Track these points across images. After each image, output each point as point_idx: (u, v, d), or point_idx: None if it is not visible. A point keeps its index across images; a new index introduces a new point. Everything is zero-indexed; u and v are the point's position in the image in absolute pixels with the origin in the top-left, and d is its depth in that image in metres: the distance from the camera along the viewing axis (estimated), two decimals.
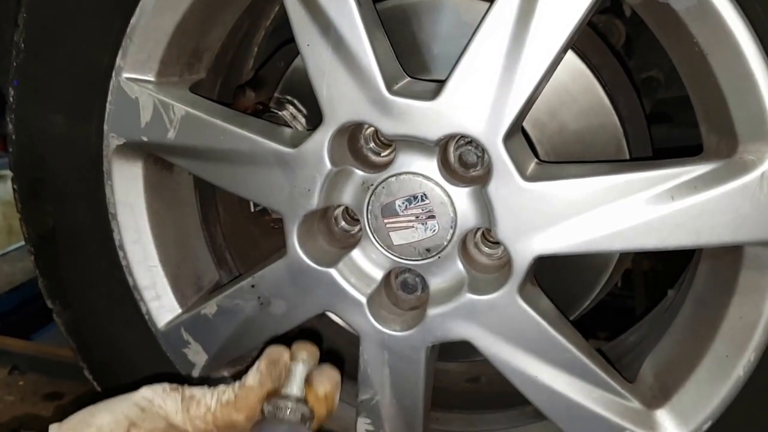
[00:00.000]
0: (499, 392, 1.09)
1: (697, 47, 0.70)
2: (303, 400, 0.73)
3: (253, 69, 1.10)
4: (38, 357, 1.52)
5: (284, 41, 1.08)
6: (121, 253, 0.98)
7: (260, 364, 0.71)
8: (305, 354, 0.76)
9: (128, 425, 0.60)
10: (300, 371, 0.74)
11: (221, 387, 0.70)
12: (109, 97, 0.91)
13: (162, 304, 0.99)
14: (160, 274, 0.99)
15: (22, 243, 1.06)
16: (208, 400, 0.67)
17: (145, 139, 0.91)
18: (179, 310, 0.99)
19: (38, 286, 1.04)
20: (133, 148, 0.94)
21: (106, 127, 0.92)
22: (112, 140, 0.93)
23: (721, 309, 0.78)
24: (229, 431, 0.68)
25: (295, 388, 0.73)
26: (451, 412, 1.08)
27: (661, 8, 0.71)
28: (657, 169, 0.73)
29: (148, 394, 0.64)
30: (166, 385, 0.67)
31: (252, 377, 0.70)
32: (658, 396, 0.84)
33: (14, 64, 0.93)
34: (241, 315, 0.93)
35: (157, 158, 0.96)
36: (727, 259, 0.77)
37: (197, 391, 0.68)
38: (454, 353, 1.02)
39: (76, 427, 0.61)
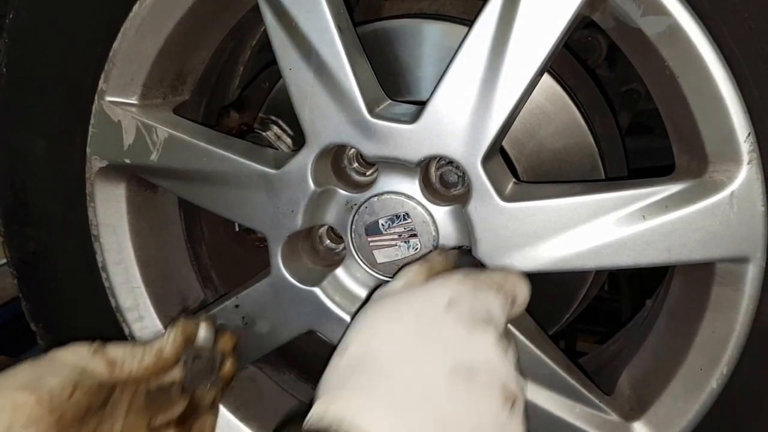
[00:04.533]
0: None
1: (668, 70, 0.71)
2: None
3: (239, 89, 1.10)
4: None
5: (269, 62, 1.07)
6: (103, 275, 0.96)
7: (176, 337, 0.78)
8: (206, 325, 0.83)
9: (72, 387, 0.67)
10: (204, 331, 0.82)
11: (139, 351, 0.76)
12: (92, 120, 0.90)
13: (145, 326, 0.98)
14: (143, 295, 0.97)
15: None
16: (130, 364, 0.73)
17: (128, 161, 0.90)
18: (163, 331, 0.98)
19: None
20: (115, 170, 0.92)
21: (88, 150, 0.91)
22: (95, 163, 0.92)
23: (694, 323, 0.78)
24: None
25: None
26: None
27: (634, 33, 0.72)
28: (629, 190, 0.73)
29: (79, 360, 0.70)
30: (88, 349, 0.73)
31: (169, 349, 0.77)
32: (635, 408, 0.85)
33: None
34: None
35: (140, 179, 0.95)
36: (700, 274, 0.78)
37: (120, 353, 0.73)
38: None
39: (29, 386, 0.65)
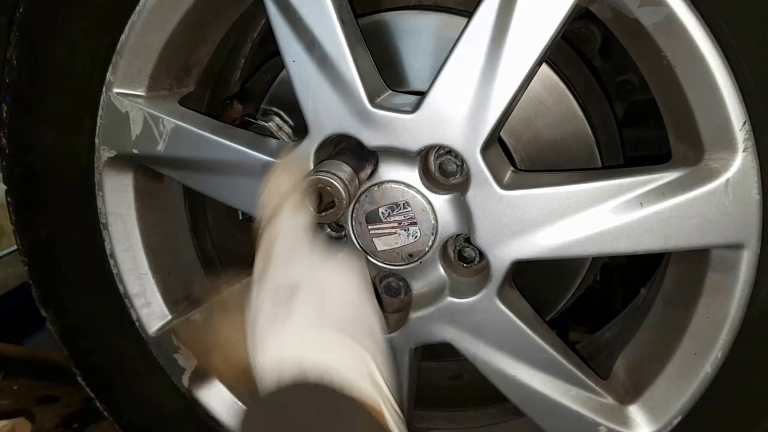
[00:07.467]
0: (480, 389, 1.09)
1: (665, 60, 0.70)
2: None
3: (240, 81, 1.09)
4: (31, 361, 1.49)
5: (271, 54, 1.06)
6: (111, 262, 0.96)
7: None
8: None
9: None
10: None
11: None
12: (100, 112, 0.89)
13: (152, 311, 0.97)
14: (150, 282, 0.97)
15: (14, 248, 1.04)
16: None
17: (135, 151, 0.89)
18: (169, 317, 0.98)
19: (30, 291, 1.02)
20: (123, 160, 0.92)
21: (97, 141, 0.91)
22: (104, 153, 0.91)
23: (689, 309, 0.78)
24: None
25: None
26: (434, 410, 1.08)
27: (631, 23, 0.71)
28: (626, 177, 0.73)
29: None
30: None
31: None
32: (631, 392, 0.84)
33: (7, 80, 0.91)
34: None
35: (147, 169, 0.95)
36: (695, 261, 0.77)
37: None
38: (438, 352, 1.01)
39: None
